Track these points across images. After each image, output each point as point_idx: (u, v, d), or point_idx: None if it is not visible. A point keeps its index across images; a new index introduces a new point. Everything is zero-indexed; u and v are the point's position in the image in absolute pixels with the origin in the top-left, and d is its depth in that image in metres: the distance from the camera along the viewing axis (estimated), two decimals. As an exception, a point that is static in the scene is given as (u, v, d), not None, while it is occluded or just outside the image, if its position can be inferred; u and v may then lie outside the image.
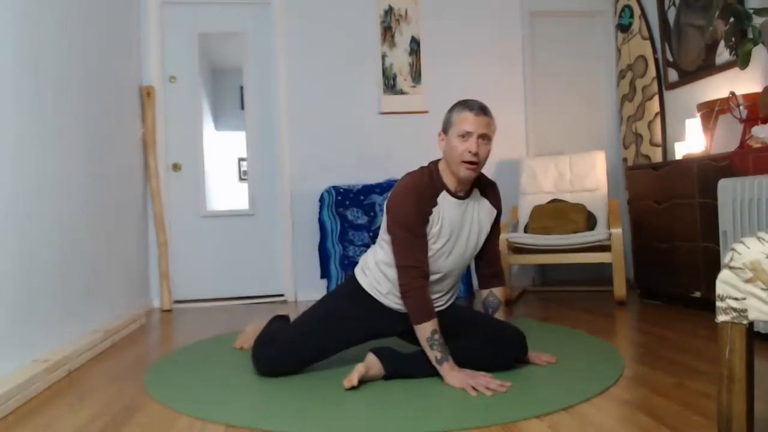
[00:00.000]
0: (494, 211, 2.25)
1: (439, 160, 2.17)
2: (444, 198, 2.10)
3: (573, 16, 4.78)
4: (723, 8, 3.16)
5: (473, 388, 1.91)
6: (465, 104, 2.06)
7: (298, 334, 2.25)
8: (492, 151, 2.12)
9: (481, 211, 2.20)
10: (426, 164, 2.19)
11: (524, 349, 2.19)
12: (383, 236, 2.19)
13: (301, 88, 4.40)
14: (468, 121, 2.02)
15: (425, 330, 2.01)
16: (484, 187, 2.22)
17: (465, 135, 2.02)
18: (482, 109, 2.04)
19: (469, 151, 2.00)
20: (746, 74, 3.31)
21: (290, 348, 2.22)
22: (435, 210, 2.07)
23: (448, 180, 2.11)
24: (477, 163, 2.02)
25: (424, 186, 2.08)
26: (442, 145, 2.11)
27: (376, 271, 2.21)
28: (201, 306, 4.24)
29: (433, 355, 2.02)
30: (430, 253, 2.09)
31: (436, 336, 2.01)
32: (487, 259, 2.31)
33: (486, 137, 2.04)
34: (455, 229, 2.13)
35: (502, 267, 2.36)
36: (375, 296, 2.22)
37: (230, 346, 2.77)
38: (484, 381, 1.94)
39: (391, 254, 2.11)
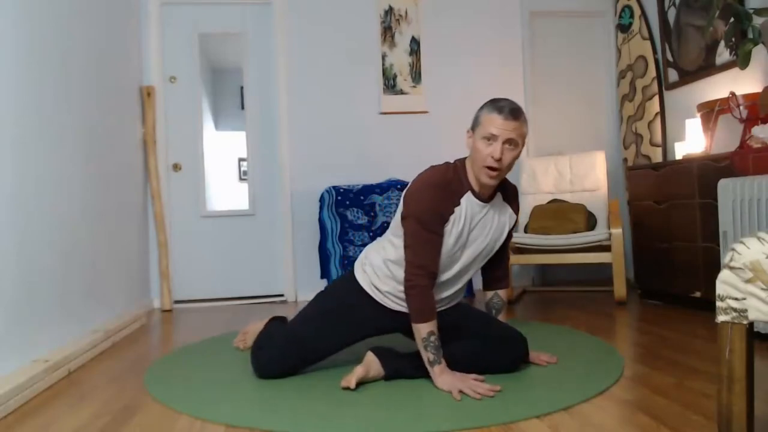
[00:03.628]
0: (514, 217, 2.19)
1: (465, 158, 2.06)
2: (468, 199, 2.00)
3: (573, 16, 4.78)
4: (723, 8, 3.15)
5: (460, 391, 1.89)
6: (495, 105, 1.93)
7: (295, 336, 2.22)
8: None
9: (501, 216, 2.13)
10: (452, 161, 2.08)
11: (526, 353, 2.18)
12: (396, 231, 2.08)
13: (301, 88, 4.40)
14: (495, 124, 1.90)
15: (422, 330, 1.96)
16: (507, 191, 2.15)
17: (490, 138, 1.91)
18: (512, 113, 1.91)
19: (492, 157, 1.90)
20: (746, 74, 3.31)
21: (288, 350, 2.20)
22: (457, 210, 1.98)
23: (473, 180, 2.01)
24: (499, 169, 1.93)
25: (448, 183, 1.98)
26: (468, 143, 2.00)
27: (383, 269, 2.12)
28: (201, 306, 4.24)
29: (427, 356, 1.98)
30: (443, 253, 2.01)
31: (432, 338, 1.96)
32: (498, 261, 2.25)
33: (512, 142, 1.92)
34: (474, 232, 2.05)
35: (509, 269, 2.32)
36: (373, 295, 2.16)
37: (230, 346, 2.77)
38: (473, 384, 1.92)
39: (402, 252, 2.02)
